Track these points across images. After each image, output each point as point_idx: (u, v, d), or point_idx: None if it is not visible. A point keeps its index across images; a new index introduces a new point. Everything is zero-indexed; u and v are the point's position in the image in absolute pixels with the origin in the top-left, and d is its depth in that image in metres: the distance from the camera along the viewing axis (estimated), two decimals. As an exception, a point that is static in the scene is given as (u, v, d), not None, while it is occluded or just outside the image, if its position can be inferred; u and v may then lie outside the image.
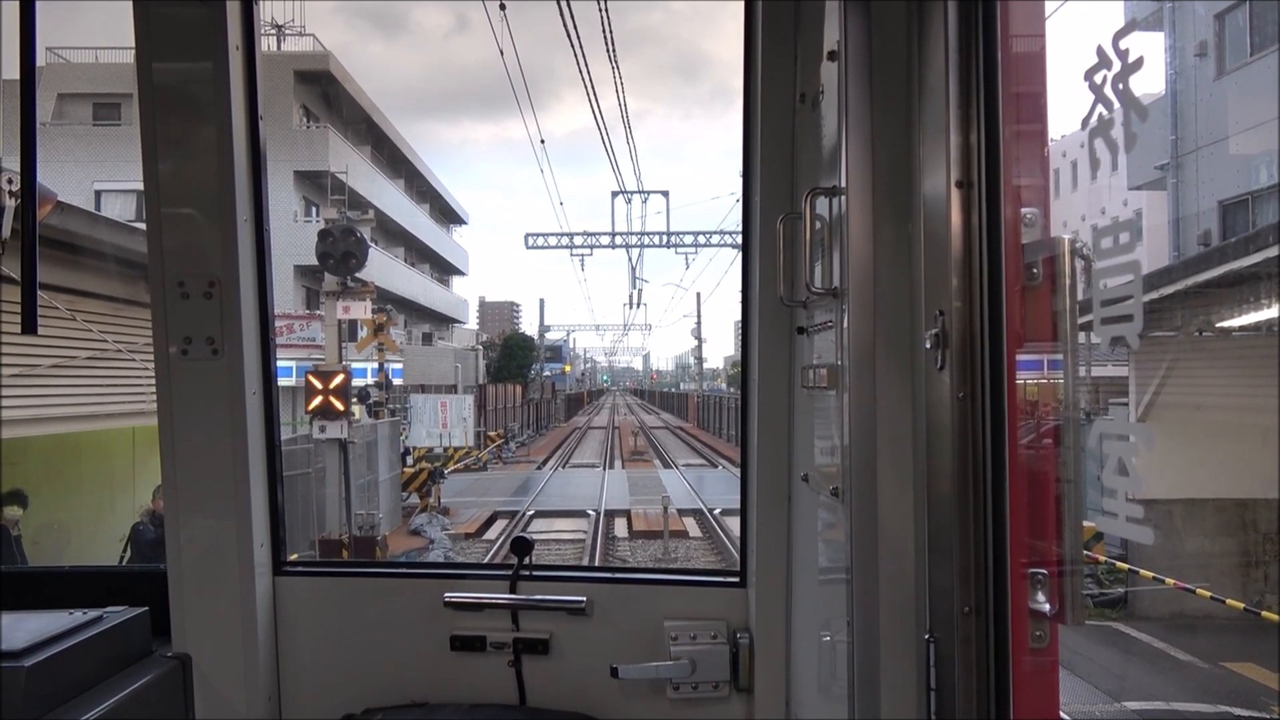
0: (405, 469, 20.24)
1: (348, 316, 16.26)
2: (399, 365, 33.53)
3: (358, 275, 15.79)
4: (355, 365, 23.63)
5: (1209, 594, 10.03)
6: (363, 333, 18.21)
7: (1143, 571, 10.61)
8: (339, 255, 15.13)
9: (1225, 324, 9.89)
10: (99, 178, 25.92)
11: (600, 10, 18.18)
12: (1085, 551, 11.49)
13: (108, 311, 10.60)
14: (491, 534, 17.73)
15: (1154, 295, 9.64)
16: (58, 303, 9.58)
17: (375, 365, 19.55)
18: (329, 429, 14.41)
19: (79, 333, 10.12)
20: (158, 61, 2.20)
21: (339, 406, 14.37)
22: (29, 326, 1.88)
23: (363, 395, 19.00)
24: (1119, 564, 11.45)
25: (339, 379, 14.51)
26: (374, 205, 34.85)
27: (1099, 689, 9.26)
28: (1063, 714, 1.53)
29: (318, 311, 23.03)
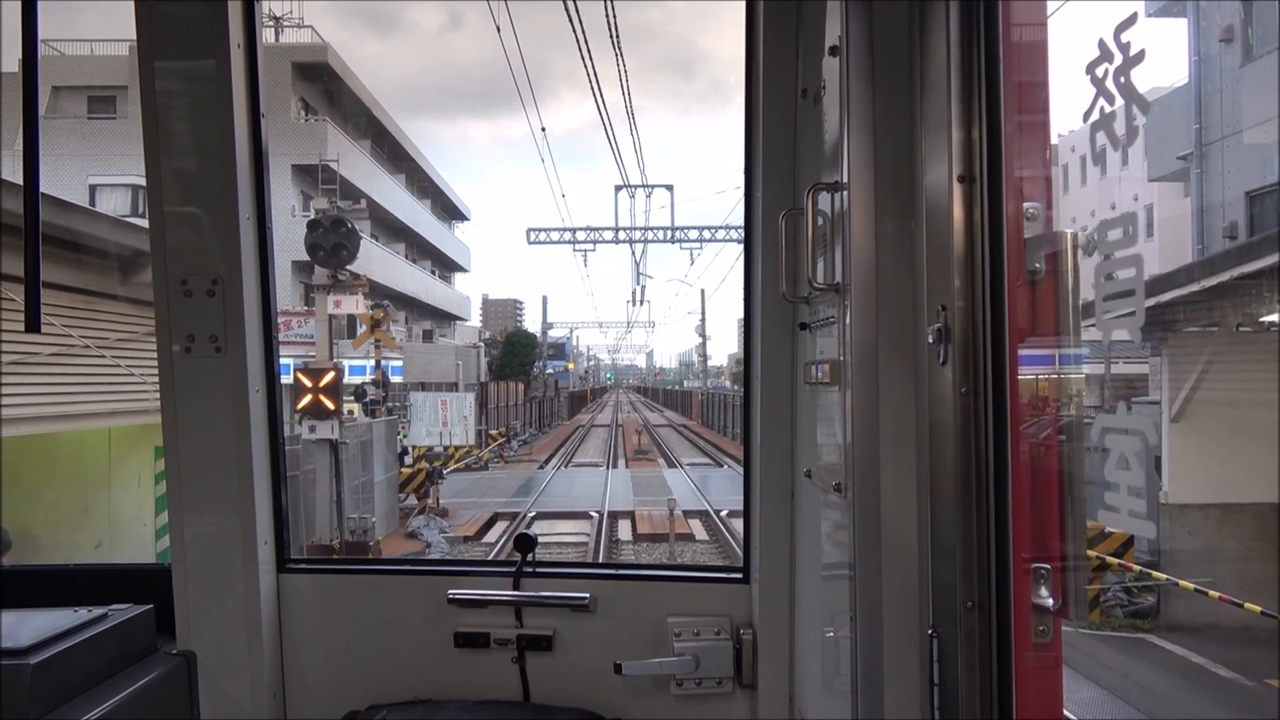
0: (403, 469, 20.02)
1: (339, 311, 15.83)
2: (398, 363, 33.61)
3: (349, 268, 15.38)
4: (355, 363, 23.65)
5: (1259, 609, 9.31)
6: (360, 329, 18.10)
7: (1182, 583, 10.03)
8: (329, 247, 14.63)
9: (1269, 319, 9.55)
10: (94, 172, 26.00)
11: (605, 4, 18.23)
12: (1117, 559, 10.55)
13: (77, 305, 10.01)
14: (492, 536, 17.57)
15: (1195, 288, 9.38)
16: (14, 295, 9.07)
17: (373, 362, 19.52)
18: (319, 429, 13.99)
19: (42, 326, 9.84)
20: (159, 60, 2.24)
21: (330, 405, 13.99)
22: (32, 325, 1.92)
23: (359, 393, 18.90)
24: (1155, 574, 10.83)
25: (329, 376, 14.12)
26: (374, 200, 34.87)
27: (1139, 710, 8.90)
28: (1066, 713, 1.56)
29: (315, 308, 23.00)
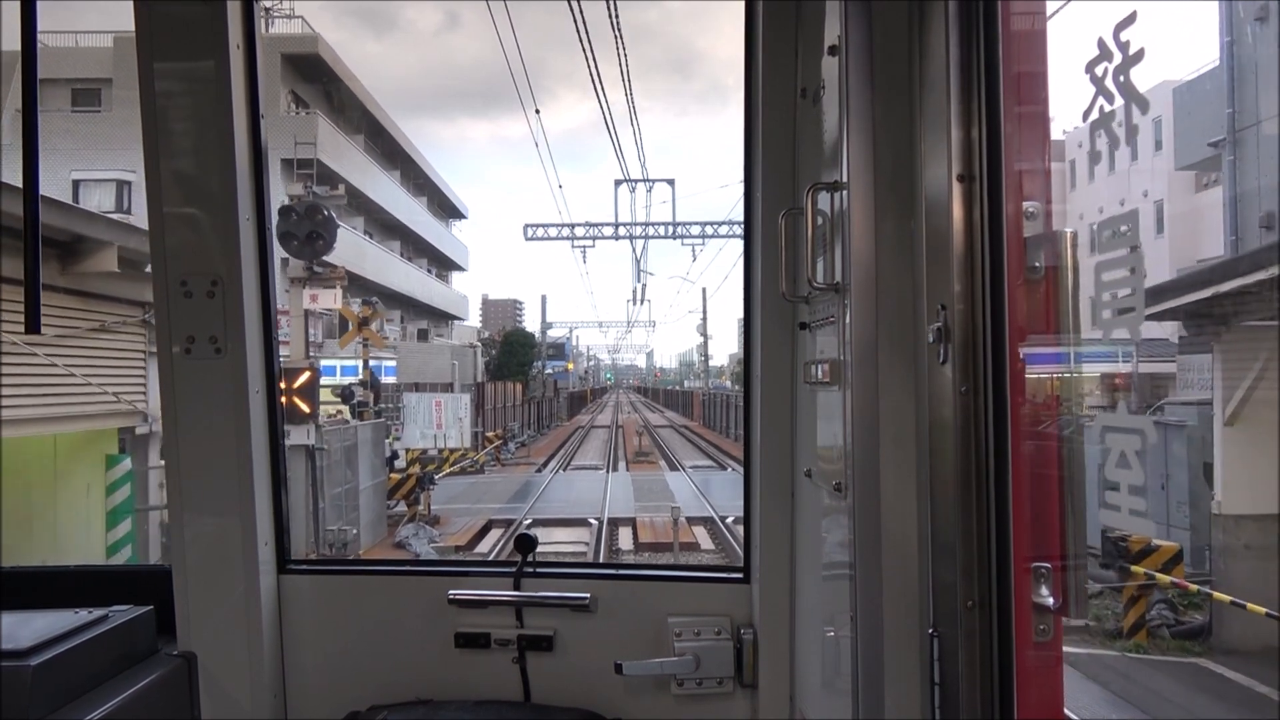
0: (393, 474, 19.56)
1: (315, 306, 15.22)
2: (392, 363, 33.54)
3: (326, 259, 14.74)
4: (348, 363, 23.58)
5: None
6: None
7: (1251, 606, 9.07)
8: (303, 235, 13.99)
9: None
10: (76, 166, 25.98)
11: (608, 4, 18.26)
12: (1166, 575, 9.68)
13: (8, 297, 9.01)
14: (485, 545, 17.13)
15: (1262, 275, 8.85)
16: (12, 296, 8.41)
17: (363, 362, 19.30)
18: (293, 434, 13.33)
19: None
20: (159, 60, 2.30)
21: (305, 409, 13.50)
22: (32, 326, 1.98)
23: (346, 394, 18.65)
24: (1217, 594, 9.68)
25: (305, 377, 13.59)
26: (368, 196, 34.85)
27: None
28: (1067, 712, 1.60)
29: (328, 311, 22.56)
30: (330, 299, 15.37)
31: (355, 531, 15.32)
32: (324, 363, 26.44)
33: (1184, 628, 10.21)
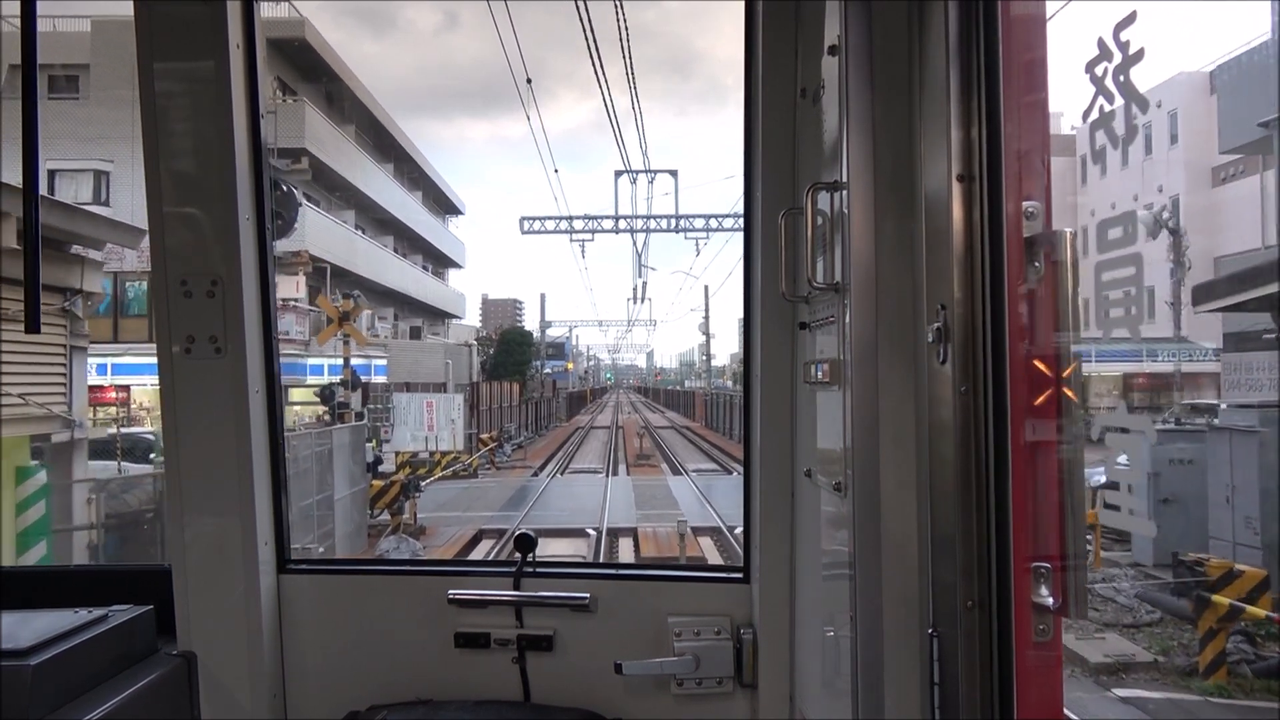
0: (375, 481, 18.99)
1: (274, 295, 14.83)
2: (383, 362, 33.51)
3: (295, 244, 14.46)
4: (334, 362, 23.52)
5: None
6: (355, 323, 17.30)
7: None
8: None
9: None
10: (52, 156, 25.90)
11: (615, 3, 18.35)
12: (1253, 607, 8.84)
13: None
14: (474, 558, 16.34)
15: None
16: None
17: (353, 361, 19.10)
18: None
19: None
20: (159, 61, 2.39)
21: None
22: (32, 326, 2.05)
23: (325, 395, 18.26)
24: None
25: None
26: (362, 191, 34.81)
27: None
28: (1067, 712, 1.66)
29: (291, 301, 22.33)
30: (291, 287, 14.99)
31: (321, 550, 14.62)
32: (311, 361, 26.46)
33: (1265, 664, 9.25)
